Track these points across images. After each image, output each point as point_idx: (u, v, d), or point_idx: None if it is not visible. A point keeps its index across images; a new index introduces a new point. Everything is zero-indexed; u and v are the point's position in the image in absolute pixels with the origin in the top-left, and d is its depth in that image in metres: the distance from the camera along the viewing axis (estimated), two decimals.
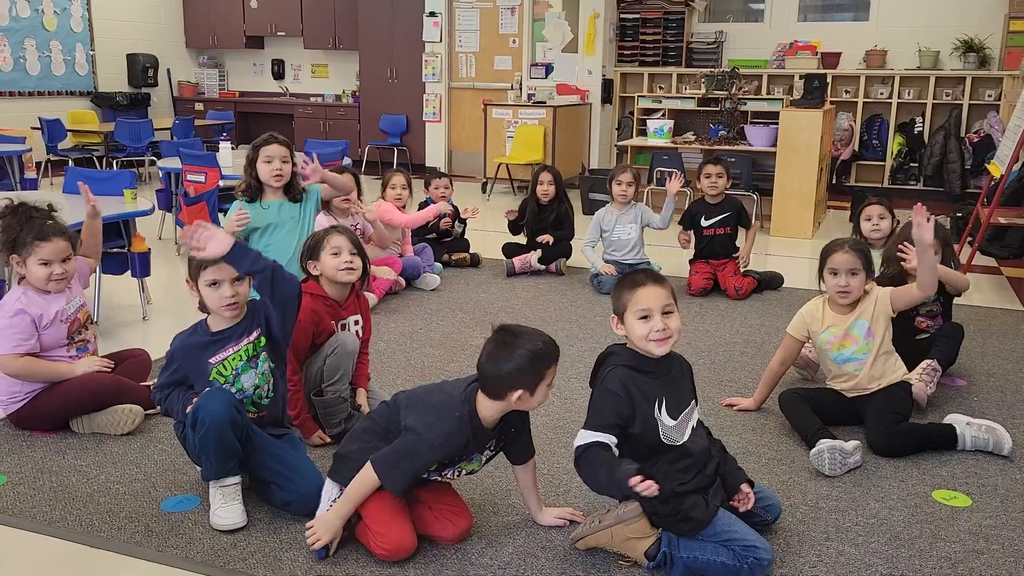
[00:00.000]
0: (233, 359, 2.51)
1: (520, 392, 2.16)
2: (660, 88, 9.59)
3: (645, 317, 2.20)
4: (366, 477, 2.23)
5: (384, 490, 2.24)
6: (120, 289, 4.71)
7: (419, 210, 5.43)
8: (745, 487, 2.31)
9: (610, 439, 2.18)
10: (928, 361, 3.37)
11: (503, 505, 2.55)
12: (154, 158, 8.77)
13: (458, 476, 2.35)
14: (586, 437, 2.19)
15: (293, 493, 2.43)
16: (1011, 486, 2.74)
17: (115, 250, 4.35)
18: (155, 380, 2.66)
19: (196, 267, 2.46)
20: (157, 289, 4.82)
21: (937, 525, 2.49)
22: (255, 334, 2.56)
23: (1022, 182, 6.36)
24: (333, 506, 2.28)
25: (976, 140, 8.38)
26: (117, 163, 8.90)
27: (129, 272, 4.39)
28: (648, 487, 2.02)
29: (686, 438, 2.26)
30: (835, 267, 3.02)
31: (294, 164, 3.94)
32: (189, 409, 2.41)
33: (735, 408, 3.33)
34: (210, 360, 2.49)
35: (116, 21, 10.81)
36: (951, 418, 3.04)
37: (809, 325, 3.14)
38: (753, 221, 5.44)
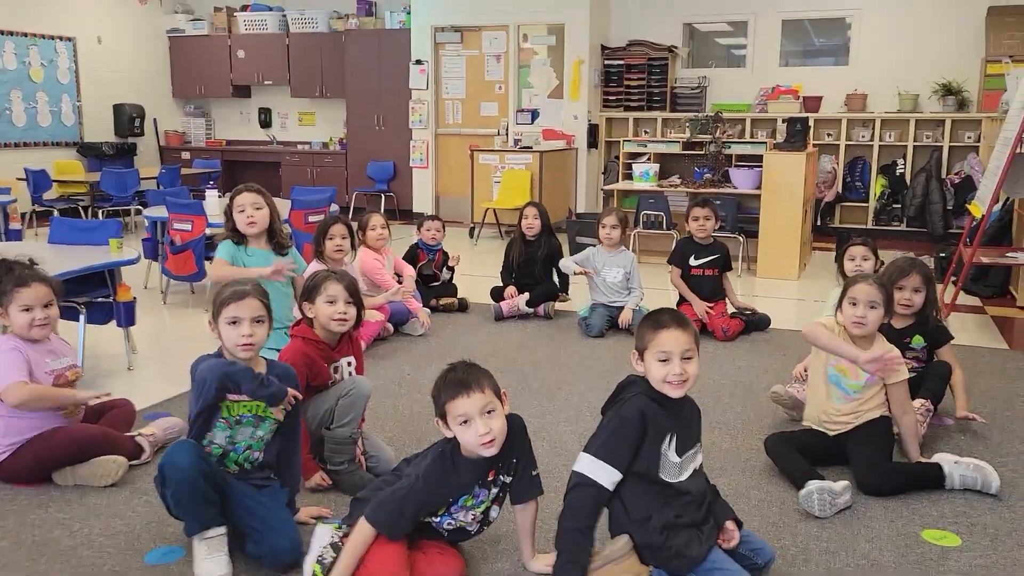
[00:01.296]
0: (244, 407, 2.50)
1: (439, 420, 2.23)
2: (645, 132, 9.72)
3: (664, 360, 2.21)
4: (361, 530, 2.23)
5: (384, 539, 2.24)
6: (105, 339, 4.68)
7: (406, 254, 5.47)
8: (730, 524, 2.31)
9: (614, 477, 2.19)
10: (922, 401, 3.38)
11: (493, 552, 2.53)
12: (140, 207, 8.78)
13: (470, 521, 2.33)
14: (589, 468, 2.19)
15: (264, 547, 2.40)
16: (1000, 525, 2.73)
17: (100, 299, 4.33)
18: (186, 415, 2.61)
19: (218, 306, 2.49)
20: (142, 339, 4.79)
21: (927, 566, 2.48)
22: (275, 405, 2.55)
23: (1003, 222, 6.46)
24: (333, 572, 2.23)
25: (957, 181, 8.50)
26: (103, 213, 8.91)
27: (114, 321, 4.36)
28: None
29: (685, 477, 2.27)
30: (856, 297, 3.03)
31: (272, 209, 4.00)
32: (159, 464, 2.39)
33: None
34: (229, 395, 2.48)
35: (103, 72, 10.89)
36: (938, 457, 3.05)
37: (818, 354, 3.15)
38: (739, 264, 5.48)
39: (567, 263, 5.24)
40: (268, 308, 2.57)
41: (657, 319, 2.27)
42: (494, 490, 2.33)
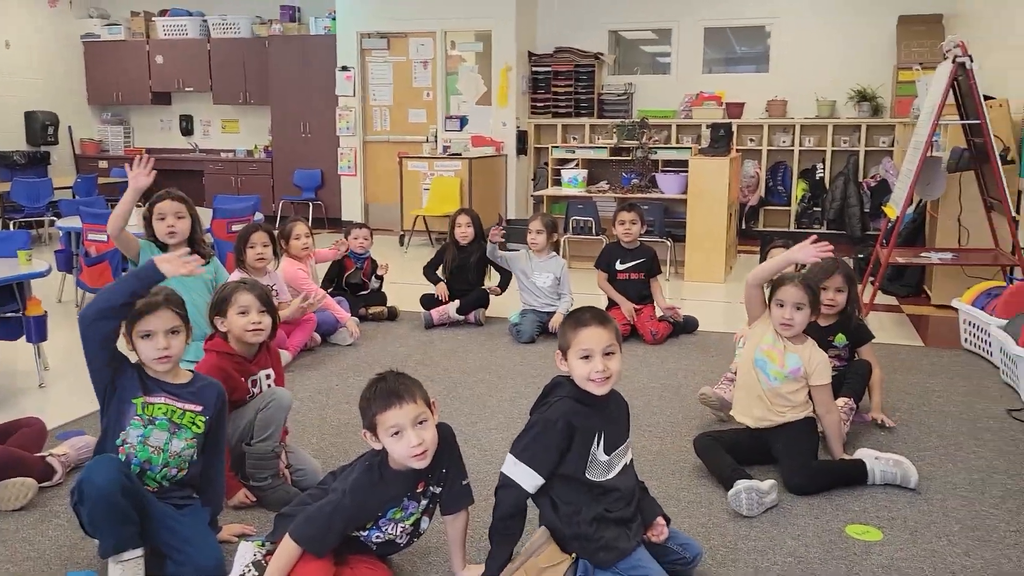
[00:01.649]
0: (159, 408, 2.41)
1: (366, 432, 2.19)
2: (574, 139, 9.78)
3: (586, 357, 2.21)
4: (285, 547, 2.18)
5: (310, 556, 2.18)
6: (15, 355, 4.48)
7: (332, 263, 5.40)
8: (660, 520, 2.33)
9: (536, 481, 2.20)
10: (845, 400, 3.46)
11: (423, 564, 2.49)
12: (54, 218, 8.46)
13: (399, 534, 2.29)
14: (512, 470, 2.20)
15: (187, 566, 2.32)
16: (919, 518, 2.80)
17: (9, 314, 4.14)
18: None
19: (130, 321, 2.39)
20: (55, 354, 4.59)
21: (852, 560, 2.53)
22: (194, 407, 2.47)
23: (916, 223, 6.68)
24: None
25: (873, 184, 8.78)
26: (14, 224, 8.55)
27: (24, 337, 4.17)
28: None
29: (613, 475, 2.27)
30: (782, 299, 3.08)
31: (194, 218, 3.85)
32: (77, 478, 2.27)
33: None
34: (143, 394, 2.40)
35: (13, 78, 10.45)
36: (860, 453, 3.12)
37: (759, 327, 3.18)
38: (667, 267, 5.54)
39: (492, 250, 5.18)
40: (184, 317, 2.47)
41: (578, 317, 2.28)
42: (424, 501, 2.29)
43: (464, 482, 2.34)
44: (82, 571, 2.43)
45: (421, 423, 2.15)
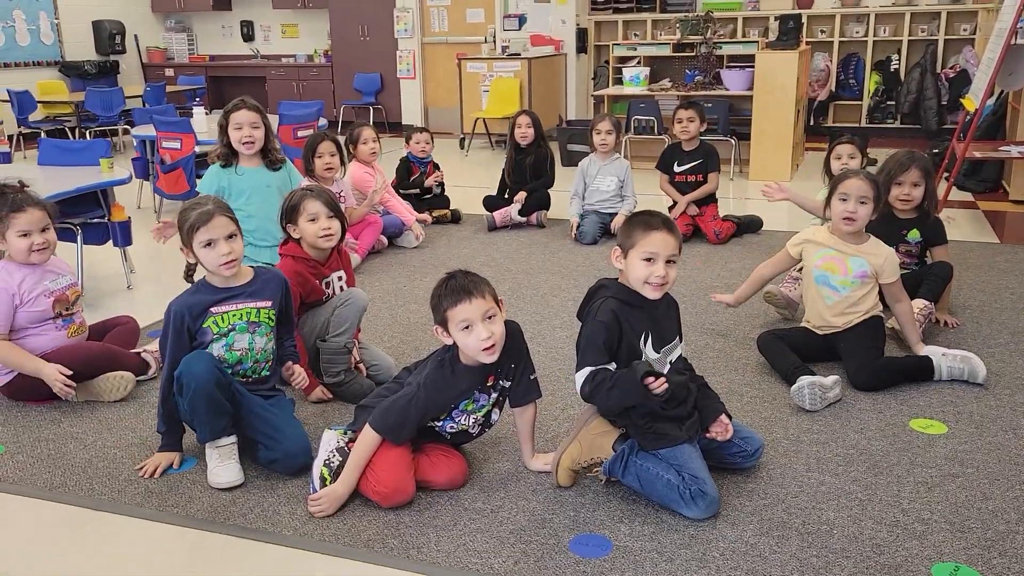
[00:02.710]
0: (233, 315, 2.54)
1: (438, 328, 2.27)
2: (635, 35, 9.53)
3: (649, 259, 2.24)
4: (366, 437, 2.31)
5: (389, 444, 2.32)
6: (103, 259, 4.70)
7: (399, 167, 5.45)
8: (723, 418, 2.37)
9: (608, 366, 2.26)
10: (924, 303, 3.43)
11: (494, 453, 2.61)
12: (127, 126, 8.67)
13: (472, 424, 2.40)
14: (585, 373, 2.25)
15: (278, 452, 2.48)
16: (985, 412, 2.82)
17: (95, 220, 4.33)
18: (154, 343, 2.66)
19: (188, 231, 2.50)
20: (140, 257, 4.82)
21: (915, 452, 2.58)
22: (264, 303, 2.60)
23: (996, 115, 6.42)
24: (340, 477, 2.31)
25: (952, 75, 8.40)
26: (90, 133, 8.79)
27: (111, 242, 4.38)
28: (660, 384, 2.14)
29: (664, 372, 2.32)
30: (846, 192, 3.03)
31: (267, 127, 3.92)
32: (175, 373, 2.43)
33: (716, 299, 3.61)
34: (212, 309, 2.52)
35: None
36: (927, 350, 3.12)
37: (809, 241, 3.17)
38: (731, 166, 5.45)
39: (575, 205, 5.19)
40: (235, 219, 2.58)
41: (648, 220, 2.29)
42: (493, 395, 2.39)
43: (532, 376, 2.43)
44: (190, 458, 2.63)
45: (490, 318, 2.23)
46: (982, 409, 2.85)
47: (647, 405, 2.23)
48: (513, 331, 2.35)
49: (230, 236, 2.52)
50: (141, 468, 2.53)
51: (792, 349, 3.11)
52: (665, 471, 2.23)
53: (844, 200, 3.04)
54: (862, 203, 3.02)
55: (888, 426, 2.74)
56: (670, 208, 5.20)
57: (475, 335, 2.21)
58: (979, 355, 3.08)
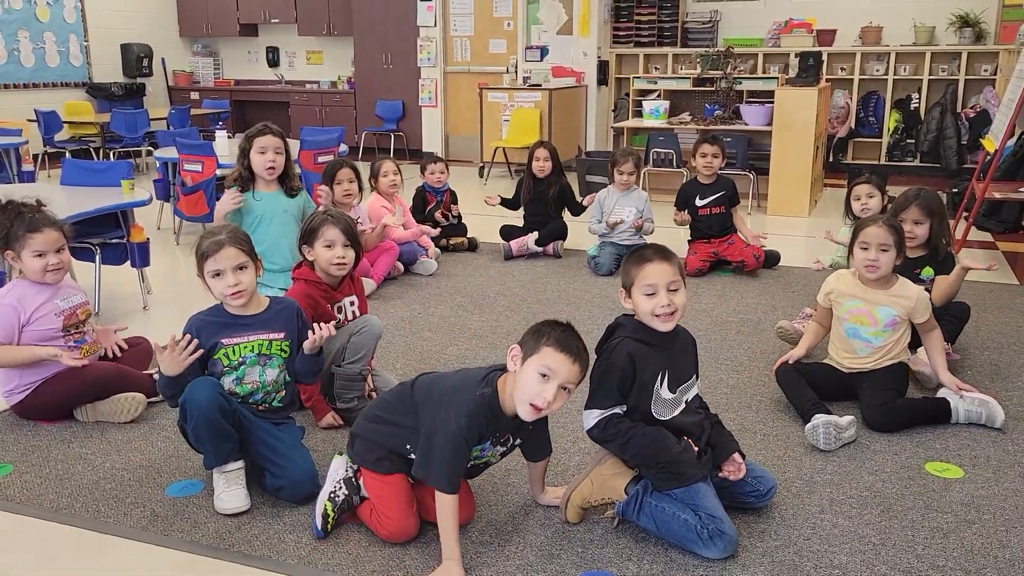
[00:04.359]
0: (244, 347, 2.54)
1: (517, 355, 2.11)
2: (655, 69, 9.58)
3: (651, 294, 2.23)
4: (441, 502, 2.14)
5: (390, 474, 2.28)
6: (120, 279, 4.74)
7: (415, 197, 5.47)
8: (736, 456, 2.34)
9: (618, 410, 2.24)
10: (944, 345, 3.38)
11: (502, 485, 2.59)
12: (151, 148, 8.77)
13: (470, 466, 2.27)
14: (595, 416, 2.23)
15: (284, 479, 2.47)
16: (1003, 457, 2.77)
17: (114, 240, 4.37)
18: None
19: (199, 259, 2.53)
20: (157, 278, 4.85)
21: (930, 496, 2.53)
22: (277, 335, 2.59)
23: (1017, 156, 6.38)
24: (445, 555, 2.14)
25: (972, 115, 8.38)
26: (114, 154, 8.90)
27: (129, 262, 4.41)
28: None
29: (678, 412, 2.30)
30: (867, 241, 3.02)
31: (288, 154, 3.95)
32: (180, 401, 2.43)
33: (784, 361, 3.19)
34: (223, 340, 2.52)
35: (109, 11, 10.78)
36: (945, 392, 3.08)
37: (835, 291, 3.15)
38: (749, 201, 5.45)
39: (594, 227, 5.20)
40: (249, 251, 2.57)
41: (640, 254, 2.28)
42: (500, 450, 2.29)
43: (546, 435, 2.40)
44: (190, 480, 2.62)
45: (566, 388, 2.09)
46: (999, 453, 2.80)
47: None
48: None
49: (240, 267, 2.52)
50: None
51: (810, 384, 3.08)
52: (681, 511, 2.20)
53: (865, 248, 3.03)
54: (883, 251, 3.00)
55: (903, 468, 2.70)
56: (690, 242, 5.19)
57: (541, 389, 2.07)
58: (997, 398, 3.04)
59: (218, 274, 2.51)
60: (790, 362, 3.18)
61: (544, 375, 2.07)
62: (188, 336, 2.43)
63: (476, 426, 2.14)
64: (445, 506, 2.14)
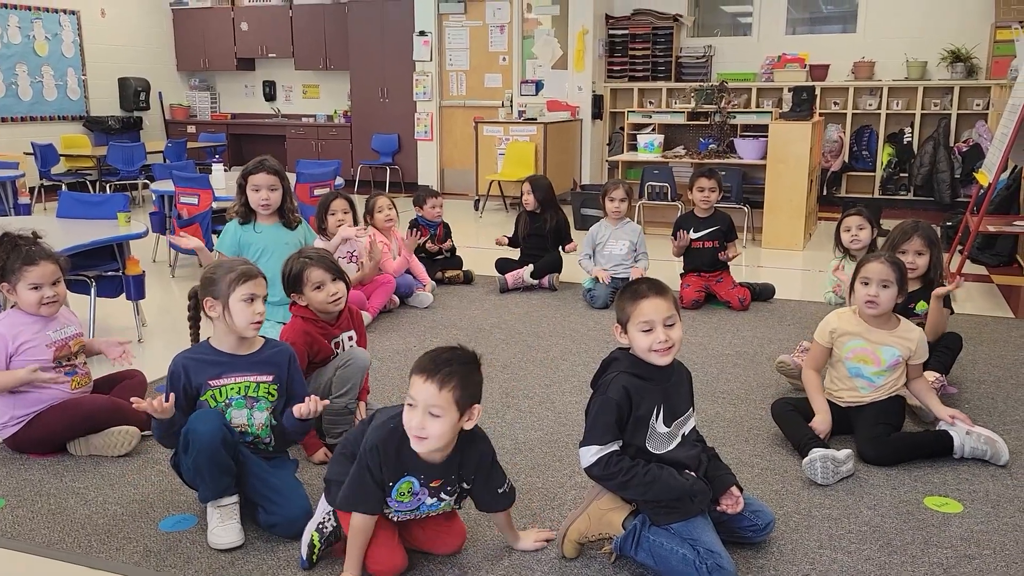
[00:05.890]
0: (230, 388, 2.51)
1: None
2: (650, 103, 9.66)
3: (648, 330, 2.22)
4: (351, 522, 2.18)
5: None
6: (115, 312, 4.72)
7: (409, 229, 5.49)
8: (733, 490, 2.33)
9: (616, 446, 2.22)
10: (936, 375, 3.40)
11: (483, 519, 2.56)
12: (147, 181, 8.80)
13: (411, 512, 2.22)
14: (594, 453, 2.21)
15: (277, 516, 2.44)
16: (1002, 492, 2.76)
17: (110, 273, 4.37)
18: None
19: (231, 282, 2.45)
20: (152, 311, 4.84)
21: (929, 531, 2.51)
22: (265, 377, 2.55)
23: (1010, 190, 6.43)
24: (346, 566, 2.19)
25: (965, 149, 8.45)
26: (110, 187, 8.93)
27: (124, 295, 4.40)
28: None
29: (674, 446, 2.29)
30: (868, 277, 3.01)
31: (286, 188, 3.98)
32: (182, 431, 2.41)
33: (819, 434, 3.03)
34: (210, 381, 2.49)
35: (107, 45, 10.87)
36: (944, 424, 3.05)
37: (837, 330, 3.11)
38: (744, 234, 5.47)
39: (586, 264, 5.22)
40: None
41: (635, 290, 2.27)
42: (446, 499, 2.22)
43: (501, 490, 2.27)
44: (183, 514, 2.59)
45: (434, 414, 2.03)
46: (999, 488, 2.78)
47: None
48: (476, 438, 2.20)
49: (265, 298, 2.54)
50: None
51: (806, 419, 3.06)
52: (679, 546, 2.18)
53: (866, 284, 3.02)
54: (884, 287, 2.99)
55: (902, 503, 2.68)
56: (683, 275, 5.21)
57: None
58: (994, 431, 3.02)
59: (251, 299, 2.48)
60: (823, 433, 3.03)
61: (411, 404, 2.06)
62: (161, 398, 2.35)
63: (379, 457, 2.10)
64: (352, 524, 2.16)
